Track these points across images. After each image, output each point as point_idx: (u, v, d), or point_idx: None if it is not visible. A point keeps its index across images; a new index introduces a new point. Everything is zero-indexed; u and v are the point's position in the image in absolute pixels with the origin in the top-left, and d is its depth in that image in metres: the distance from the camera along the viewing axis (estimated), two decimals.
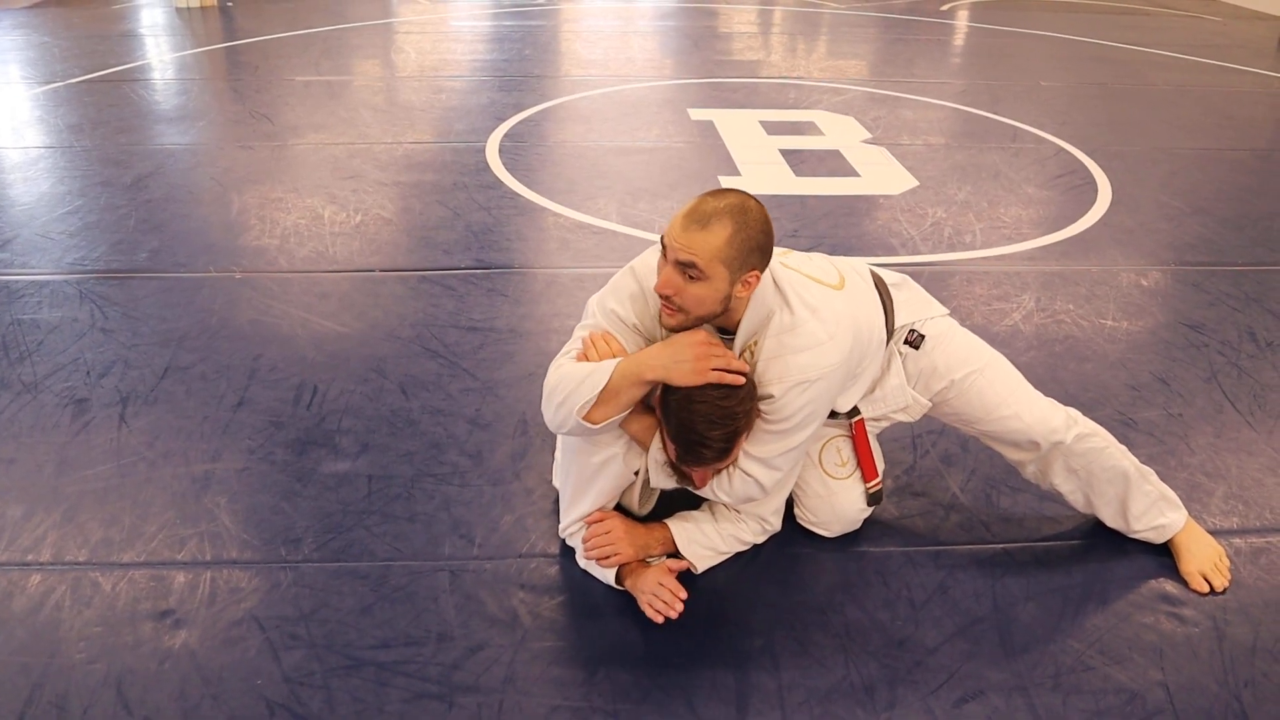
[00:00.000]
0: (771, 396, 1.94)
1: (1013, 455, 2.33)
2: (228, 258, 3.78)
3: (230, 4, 9.37)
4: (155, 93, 6.22)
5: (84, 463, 2.55)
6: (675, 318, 1.90)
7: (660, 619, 2.05)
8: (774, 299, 1.96)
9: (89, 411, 2.77)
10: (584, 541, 2.14)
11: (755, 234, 1.84)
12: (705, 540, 2.20)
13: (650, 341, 2.04)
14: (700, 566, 2.20)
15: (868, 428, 2.30)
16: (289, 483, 2.49)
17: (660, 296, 1.89)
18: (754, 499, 2.11)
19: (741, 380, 1.89)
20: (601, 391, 1.90)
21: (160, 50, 7.47)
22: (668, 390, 1.91)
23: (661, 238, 1.87)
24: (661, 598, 2.06)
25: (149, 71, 6.77)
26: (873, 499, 2.33)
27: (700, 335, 1.91)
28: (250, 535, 2.30)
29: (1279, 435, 2.85)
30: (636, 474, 2.14)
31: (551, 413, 1.99)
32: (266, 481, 2.49)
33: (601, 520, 2.14)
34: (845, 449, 2.29)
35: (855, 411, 2.24)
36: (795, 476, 2.26)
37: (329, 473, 2.53)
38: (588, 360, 1.97)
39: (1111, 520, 2.35)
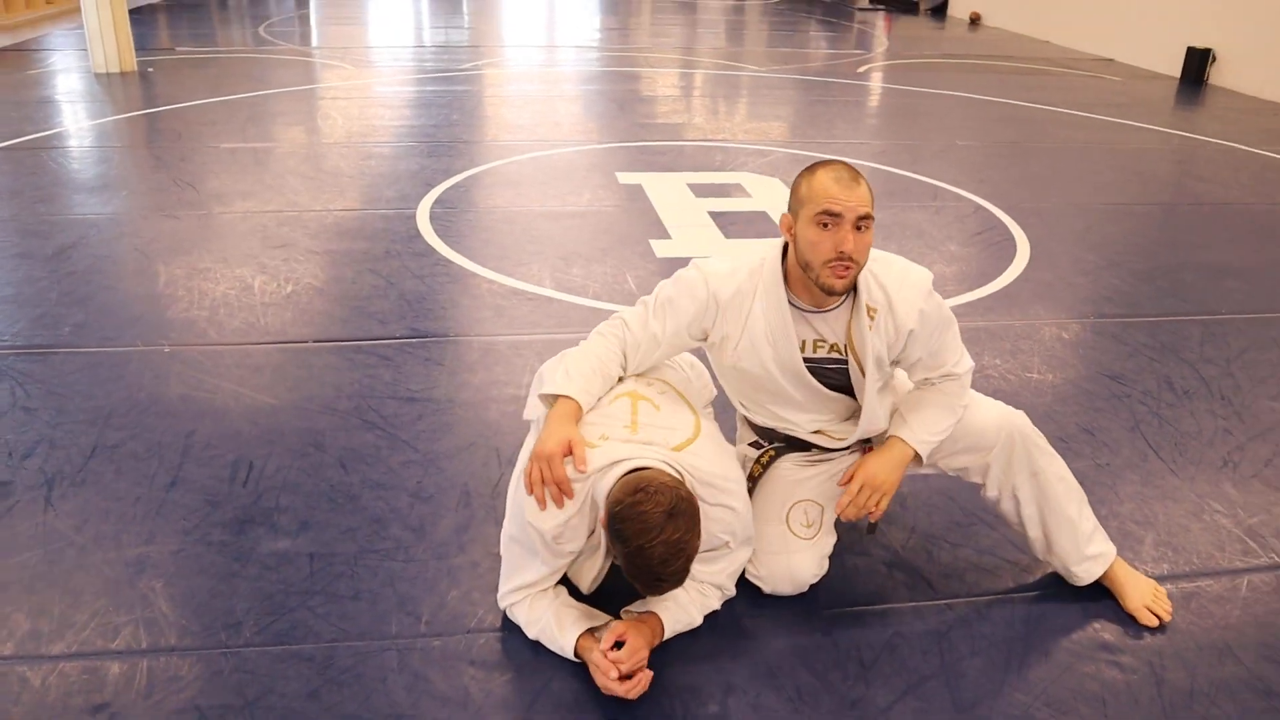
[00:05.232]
0: (918, 330, 2.17)
1: (978, 461, 2.36)
2: (156, 331, 3.70)
3: (151, 70, 9.27)
4: (75, 161, 6.11)
5: (7, 550, 2.45)
6: (851, 273, 2.08)
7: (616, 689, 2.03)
8: None
9: (12, 495, 2.67)
10: (617, 678, 2.03)
11: None
12: (686, 619, 2.21)
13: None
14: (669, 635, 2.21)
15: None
16: (227, 564, 2.42)
17: (839, 259, 2.05)
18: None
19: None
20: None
21: (78, 117, 7.35)
22: (616, 539, 1.91)
23: (824, 212, 2.04)
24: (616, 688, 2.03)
25: (67, 139, 6.65)
26: (870, 527, 2.51)
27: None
28: (188, 620, 2.23)
29: (1200, 482, 2.95)
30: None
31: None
32: (204, 563, 2.42)
33: (627, 641, 2.07)
34: (813, 512, 2.35)
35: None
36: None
37: (269, 552, 2.47)
38: (536, 476, 2.05)
39: (1061, 542, 2.38)
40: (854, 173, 2.08)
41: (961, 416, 2.30)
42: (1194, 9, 10.98)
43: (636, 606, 2.18)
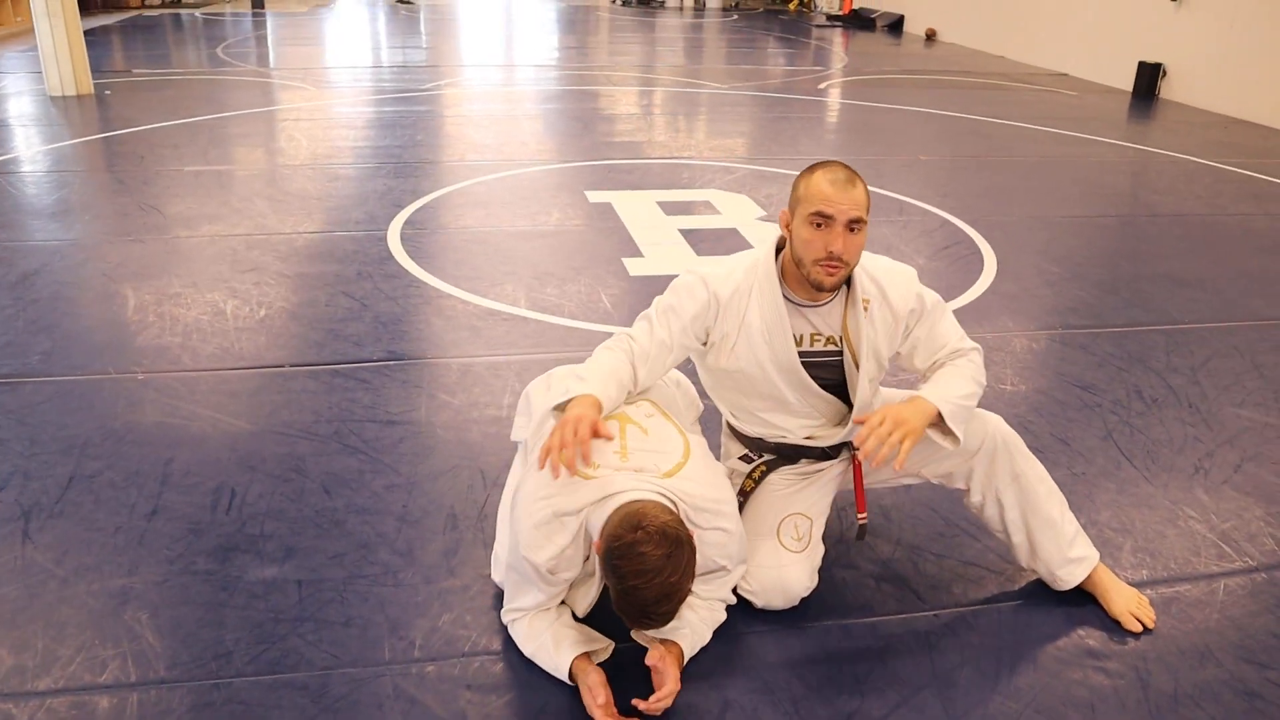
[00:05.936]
0: (917, 309, 2.28)
1: (961, 465, 2.39)
2: (127, 358, 3.65)
3: (108, 92, 9.16)
4: (33, 185, 6.02)
5: None
6: (840, 272, 2.15)
7: None
8: None
9: None
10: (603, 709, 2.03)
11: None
12: (701, 641, 2.22)
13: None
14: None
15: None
16: (214, 593, 2.40)
17: (829, 259, 2.11)
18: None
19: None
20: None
21: (35, 141, 7.25)
22: (610, 573, 1.92)
23: (816, 213, 2.10)
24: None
25: (24, 164, 6.56)
26: (860, 532, 2.48)
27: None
28: (177, 651, 2.20)
29: (1174, 489, 3.01)
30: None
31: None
32: (190, 593, 2.39)
33: (666, 682, 2.07)
34: (802, 525, 2.37)
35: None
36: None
37: (256, 580, 2.45)
38: (557, 441, 2.02)
39: (1045, 545, 2.41)
40: (850, 174, 2.14)
41: (980, 394, 2.28)
42: (1144, 25, 11.24)
43: (654, 630, 2.17)
